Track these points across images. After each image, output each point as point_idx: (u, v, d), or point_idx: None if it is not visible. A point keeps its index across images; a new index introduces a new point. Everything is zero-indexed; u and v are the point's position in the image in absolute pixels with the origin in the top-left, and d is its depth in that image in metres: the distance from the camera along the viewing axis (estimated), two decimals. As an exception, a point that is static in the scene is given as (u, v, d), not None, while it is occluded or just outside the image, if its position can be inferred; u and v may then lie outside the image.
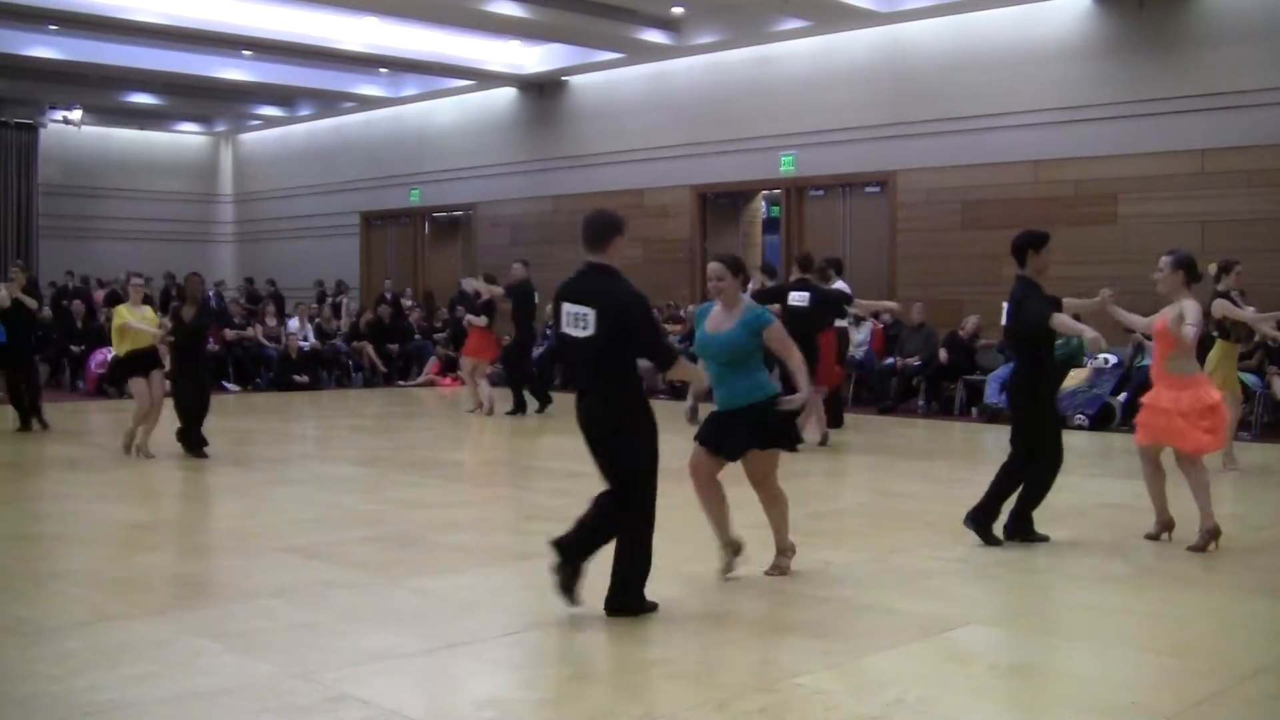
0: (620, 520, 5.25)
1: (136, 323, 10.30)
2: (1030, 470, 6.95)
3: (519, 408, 14.09)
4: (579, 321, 5.12)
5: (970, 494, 8.31)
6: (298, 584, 5.93)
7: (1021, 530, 6.98)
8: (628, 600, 5.27)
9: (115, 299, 19.03)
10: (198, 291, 10.68)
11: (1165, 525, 7.05)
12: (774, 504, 6.06)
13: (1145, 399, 7.05)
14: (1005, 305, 7.12)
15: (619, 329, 5.10)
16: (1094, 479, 8.39)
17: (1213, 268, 9.71)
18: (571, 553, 5.20)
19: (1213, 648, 4.95)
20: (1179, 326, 6.69)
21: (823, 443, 11.13)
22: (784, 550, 6.15)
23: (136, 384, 10.42)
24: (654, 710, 4.11)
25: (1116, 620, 5.62)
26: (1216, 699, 4.29)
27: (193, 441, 10.45)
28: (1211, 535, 6.76)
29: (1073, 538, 7.11)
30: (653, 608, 5.33)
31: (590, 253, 5.21)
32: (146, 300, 11.13)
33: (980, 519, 6.89)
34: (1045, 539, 6.96)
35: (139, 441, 10.34)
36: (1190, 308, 6.68)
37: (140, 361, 10.43)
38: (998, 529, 6.95)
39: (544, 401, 14.22)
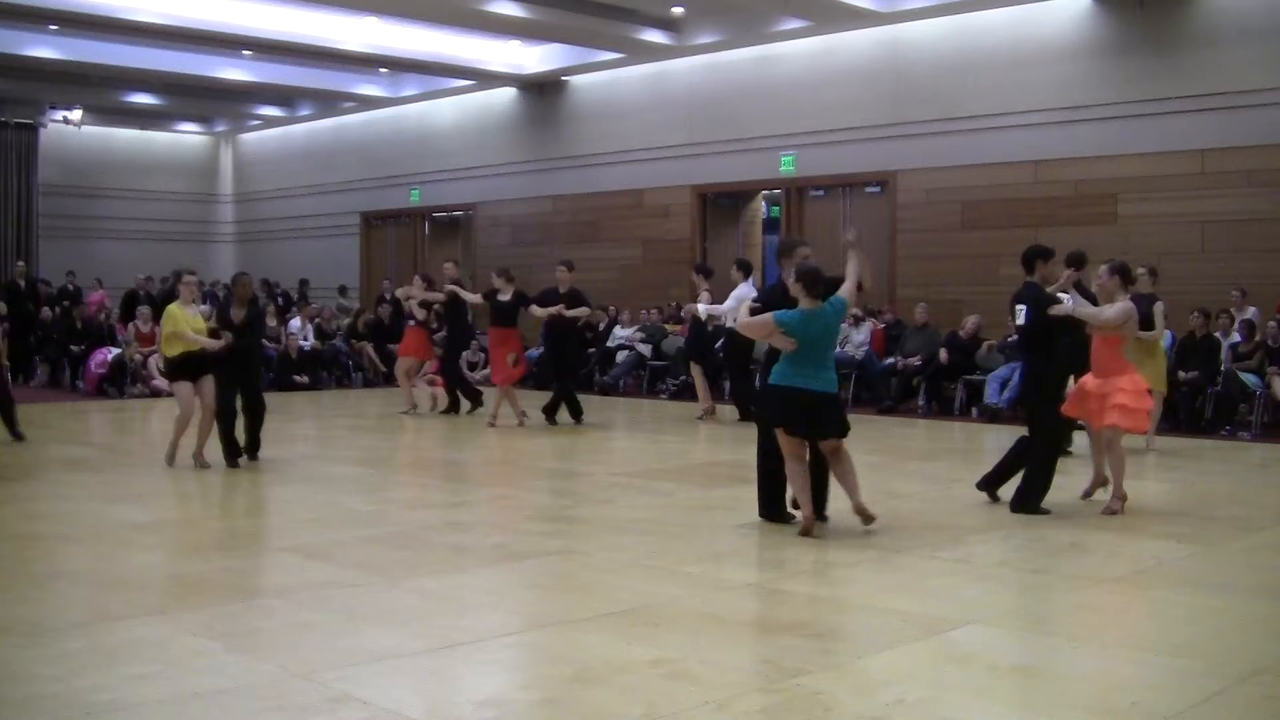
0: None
1: (194, 335, 9.68)
2: (1032, 454, 7.91)
3: (453, 407, 14.46)
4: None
5: (970, 494, 8.37)
6: (298, 584, 5.93)
7: (1028, 507, 7.82)
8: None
9: (131, 300, 18.94)
10: (246, 293, 10.18)
11: (1098, 483, 8.33)
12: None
13: (1085, 383, 8.24)
14: (1023, 308, 7.86)
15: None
16: (1094, 479, 8.41)
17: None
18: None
19: (1213, 648, 4.94)
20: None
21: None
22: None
23: (181, 388, 9.86)
24: (654, 710, 4.11)
25: (1116, 620, 5.63)
26: (1216, 699, 4.29)
27: (253, 447, 10.10)
28: (1121, 500, 7.91)
29: (1073, 538, 7.12)
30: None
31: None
32: (162, 300, 10.59)
33: (1025, 503, 7.84)
34: (1048, 512, 7.79)
35: (195, 450, 9.81)
36: (1118, 306, 7.97)
37: (191, 365, 9.85)
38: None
39: (474, 401, 14.54)
